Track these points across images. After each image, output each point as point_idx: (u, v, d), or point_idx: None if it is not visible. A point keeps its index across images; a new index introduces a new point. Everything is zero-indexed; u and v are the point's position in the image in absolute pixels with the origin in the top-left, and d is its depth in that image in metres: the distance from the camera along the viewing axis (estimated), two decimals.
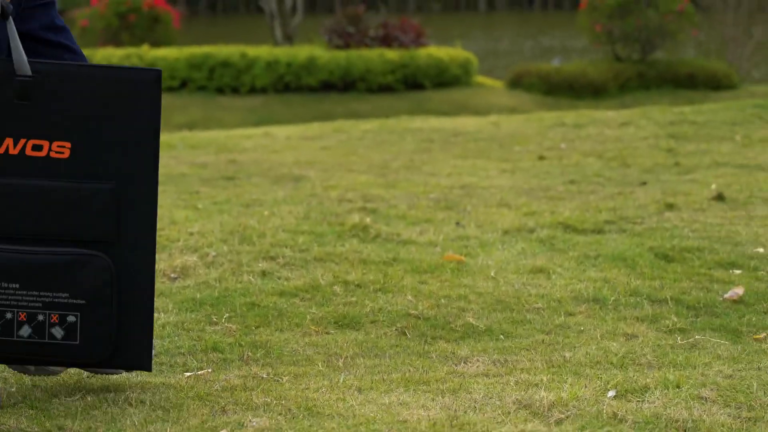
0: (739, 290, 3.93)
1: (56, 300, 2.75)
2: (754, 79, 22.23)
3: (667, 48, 20.25)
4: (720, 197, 5.81)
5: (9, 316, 2.74)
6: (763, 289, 4.00)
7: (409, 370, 3.12)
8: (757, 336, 3.46)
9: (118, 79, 2.74)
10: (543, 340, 3.42)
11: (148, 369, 2.89)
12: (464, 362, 3.22)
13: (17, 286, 2.72)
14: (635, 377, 2.99)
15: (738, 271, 4.28)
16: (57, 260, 2.73)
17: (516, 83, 18.83)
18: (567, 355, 3.26)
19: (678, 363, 3.16)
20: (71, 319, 2.76)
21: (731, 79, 19.33)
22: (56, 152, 2.71)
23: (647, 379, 2.96)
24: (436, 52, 18.63)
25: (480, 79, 19.55)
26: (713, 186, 6.28)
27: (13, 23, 2.68)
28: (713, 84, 19.05)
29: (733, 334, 3.51)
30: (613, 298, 3.85)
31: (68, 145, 2.71)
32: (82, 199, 2.72)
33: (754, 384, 2.91)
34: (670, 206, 5.62)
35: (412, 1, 54.05)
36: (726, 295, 3.90)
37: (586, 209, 5.52)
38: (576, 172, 7.19)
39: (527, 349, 3.34)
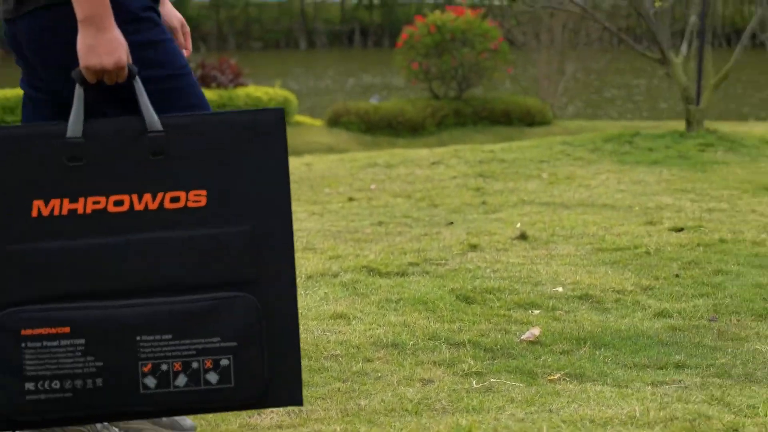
0: (536, 331, 3.99)
1: (208, 345, 2.80)
2: (567, 114, 22.92)
3: (483, 85, 20.70)
4: (523, 236, 5.91)
5: (164, 367, 2.79)
6: (560, 329, 4.06)
7: (201, 425, 3.09)
8: (552, 377, 3.51)
9: (242, 123, 2.83)
10: (339, 389, 3.40)
11: (300, 404, 2.93)
12: (258, 414, 3.18)
13: (170, 337, 2.78)
14: (428, 424, 3.01)
15: (537, 312, 4.35)
16: (205, 306, 2.79)
17: (335, 122, 18.95)
18: (362, 403, 3.26)
19: (472, 407, 3.18)
20: (224, 362, 2.82)
21: (545, 115, 19.85)
22: (193, 201, 2.80)
23: (440, 426, 2.97)
24: (254, 91, 18.63)
25: (300, 118, 19.61)
26: (518, 225, 6.41)
27: (140, 83, 2.79)
28: (528, 120, 19.52)
29: (528, 376, 3.55)
30: (411, 343, 3.86)
31: (204, 192, 2.81)
32: (222, 244, 2.80)
33: (544, 426, 2.95)
34: (474, 246, 5.69)
35: (232, 40, 53.98)
36: (523, 337, 3.95)
37: (391, 251, 5.55)
38: (384, 214, 7.25)
39: (323, 398, 3.32)
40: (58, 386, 2.73)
